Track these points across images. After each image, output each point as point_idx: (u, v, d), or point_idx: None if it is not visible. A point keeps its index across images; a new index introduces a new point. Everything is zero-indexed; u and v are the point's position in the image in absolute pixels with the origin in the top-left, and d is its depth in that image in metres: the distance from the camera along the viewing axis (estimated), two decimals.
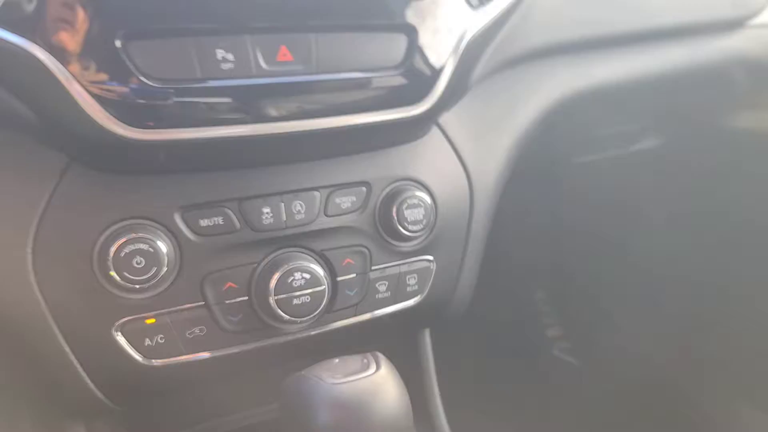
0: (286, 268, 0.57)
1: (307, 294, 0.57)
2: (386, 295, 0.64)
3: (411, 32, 0.56)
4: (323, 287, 0.58)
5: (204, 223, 0.55)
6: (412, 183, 0.64)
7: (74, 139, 0.50)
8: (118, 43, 0.45)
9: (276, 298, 0.56)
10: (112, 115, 0.47)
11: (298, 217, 0.58)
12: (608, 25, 0.77)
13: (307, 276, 0.57)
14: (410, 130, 0.63)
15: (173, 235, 0.54)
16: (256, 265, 0.58)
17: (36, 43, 0.44)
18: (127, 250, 0.51)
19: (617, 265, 1.16)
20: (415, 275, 0.66)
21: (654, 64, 0.84)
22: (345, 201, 0.61)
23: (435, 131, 0.67)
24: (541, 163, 0.78)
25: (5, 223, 0.51)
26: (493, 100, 0.71)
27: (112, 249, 0.51)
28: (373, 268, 0.63)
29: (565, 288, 1.33)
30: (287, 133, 0.53)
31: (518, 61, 0.72)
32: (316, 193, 0.59)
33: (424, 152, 0.66)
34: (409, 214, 0.62)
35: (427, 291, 0.67)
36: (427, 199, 0.63)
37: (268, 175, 0.57)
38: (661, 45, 0.83)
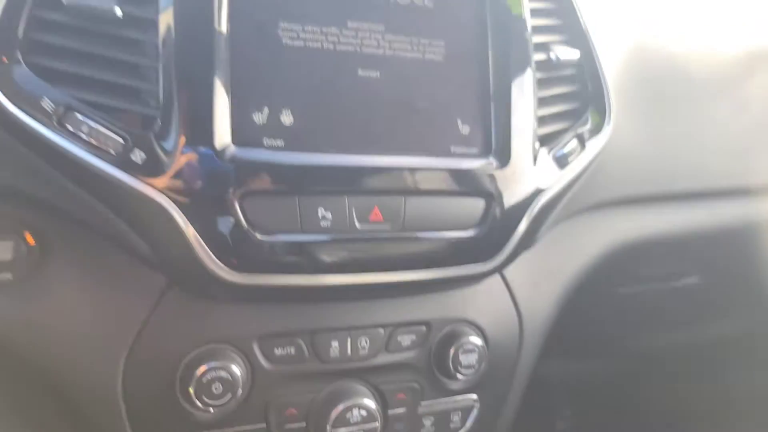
0: (347, 403, 0.61)
1: (361, 428, 0.61)
2: (430, 430, 0.68)
3: (489, 197, 0.61)
4: (376, 423, 0.62)
5: (278, 352, 0.59)
6: (468, 325, 0.68)
7: (179, 272, 0.56)
8: (234, 200, 0.51)
9: (333, 429, 0.60)
10: (218, 259, 0.52)
11: (362, 351, 0.63)
12: (670, 184, 0.82)
13: (364, 413, 0.61)
14: (475, 279, 0.67)
15: (249, 361, 0.59)
16: (317, 393, 0.62)
17: (164, 194, 0.50)
18: (209, 376, 0.55)
19: (652, 390, 1.18)
20: (459, 412, 0.69)
21: (707, 220, 0.87)
22: (406, 339, 0.65)
23: (495, 276, 0.71)
24: (583, 292, 0.81)
25: (106, 333, 0.57)
26: (552, 248, 0.75)
27: (196, 373, 0.55)
28: (422, 403, 0.67)
29: (592, 412, 1.33)
30: (369, 283, 0.58)
31: (582, 212, 0.76)
32: (381, 330, 0.64)
33: (482, 295, 0.69)
34: (464, 359, 0.66)
35: (468, 427, 0.70)
36: (482, 343, 0.67)
37: (339, 311, 0.62)
38: (716, 202, 0.87)
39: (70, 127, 0.49)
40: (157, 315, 0.57)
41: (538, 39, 0.67)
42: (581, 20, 0.72)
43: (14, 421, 0.63)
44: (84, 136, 0.49)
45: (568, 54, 0.69)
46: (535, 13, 0.67)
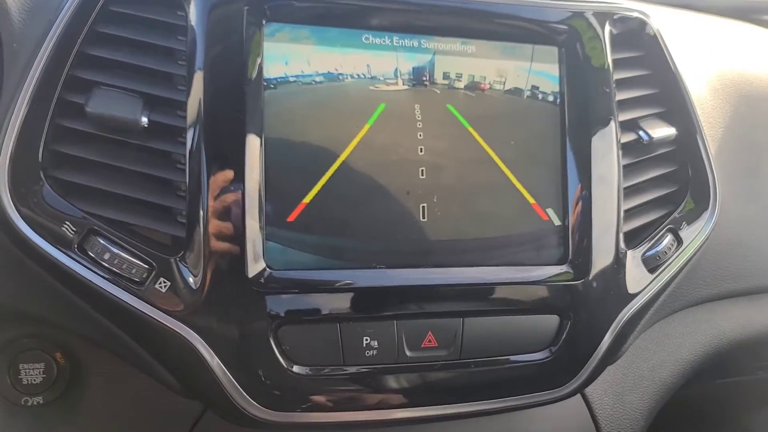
0: None
1: None
2: None
3: (564, 314, 0.52)
4: None
5: None
6: None
7: (210, 404, 0.50)
8: (268, 330, 0.45)
9: None
10: (250, 396, 0.46)
11: None
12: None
13: None
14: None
15: None
16: None
17: (188, 325, 0.45)
18: None
19: None
20: None
21: None
22: None
23: None
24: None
25: None
26: (640, 355, 0.64)
27: None
28: None
29: None
30: (420, 417, 0.50)
31: (677, 312, 0.65)
32: None
33: (555, 414, 0.60)
34: None
35: None
36: None
37: None
38: None
39: (91, 254, 0.44)
40: None
41: (624, 116, 0.57)
42: (681, 86, 0.60)
43: None
44: (106, 264, 0.44)
45: (664, 131, 0.59)
46: (622, 83, 0.57)
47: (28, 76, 0.45)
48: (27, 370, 0.50)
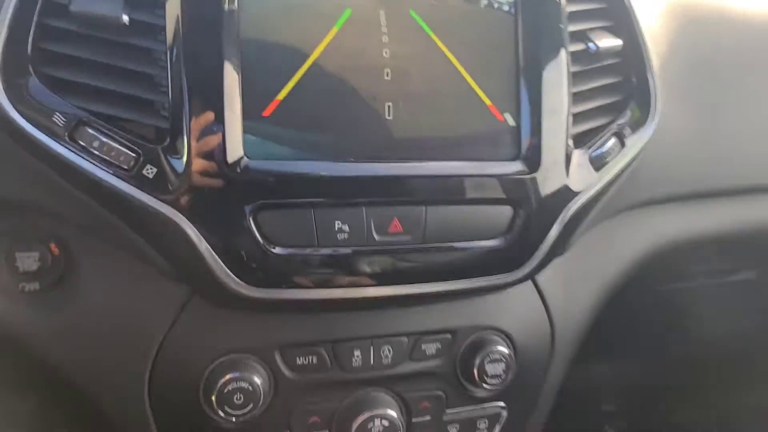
0: (368, 414, 0.60)
1: None
2: None
3: (516, 205, 0.57)
4: None
5: (300, 361, 0.59)
6: (495, 333, 0.65)
7: (198, 285, 0.55)
8: (248, 214, 0.50)
9: None
10: (234, 274, 0.51)
11: (384, 360, 0.61)
12: (721, 181, 0.75)
13: (386, 423, 0.60)
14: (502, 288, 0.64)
15: (271, 370, 0.58)
16: (340, 402, 0.61)
17: (175, 208, 0.49)
18: (230, 387, 0.55)
19: (706, 392, 1.12)
20: (486, 420, 0.67)
21: (752, 217, 0.80)
22: (430, 347, 0.63)
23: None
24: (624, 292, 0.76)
25: (131, 342, 0.57)
26: (589, 250, 0.71)
27: (219, 383, 0.55)
28: (447, 411, 0.65)
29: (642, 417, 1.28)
30: (390, 296, 0.56)
31: (621, 212, 0.71)
32: (404, 339, 0.62)
33: (510, 301, 0.66)
34: (490, 368, 0.63)
35: None
36: (509, 352, 0.64)
37: (361, 320, 0.61)
38: (761, 198, 0.80)
39: (81, 142, 0.48)
40: (179, 325, 0.57)
41: (574, 27, 0.62)
42: (627, 3, 0.65)
43: (39, 428, 0.65)
44: (95, 151, 0.48)
45: (610, 42, 0.64)
46: None
47: None
48: (23, 258, 0.54)
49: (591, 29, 0.63)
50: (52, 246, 0.55)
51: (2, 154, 0.49)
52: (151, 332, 0.57)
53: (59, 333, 0.56)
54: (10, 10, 0.47)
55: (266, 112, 0.51)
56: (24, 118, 0.47)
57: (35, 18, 0.48)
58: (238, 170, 0.49)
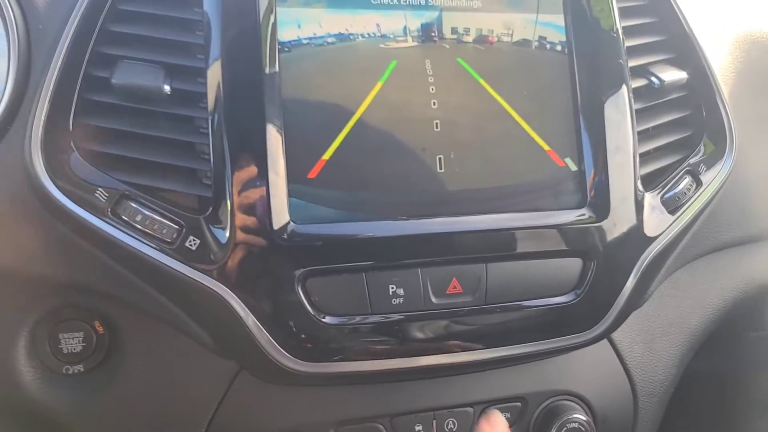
0: None
1: None
2: None
3: (586, 256, 0.52)
4: None
5: None
6: (571, 398, 0.59)
7: (245, 361, 0.52)
8: (296, 282, 0.47)
9: None
10: (283, 348, 0.48)
11: None
12: None
13: None
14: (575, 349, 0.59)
15: None
16: None
17: (219, 281, 0.46)
18: None
19: None
20: None
21: None
22: None
23: None
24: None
25: (178, 421, 0.54)
26: (668, 299, 0.64)
27: None
28: None
29: None
30: (452, 364, 0.51)
31: (702, 256, 0.65)
32: (470, 410, 0.56)
33: (584, 362, 0.60)
34: None
35: None
36: (588, 419, 0.58)
37: (421, 390, 0.56)
38: None
39: (124, 217, 0.46)
40: (228, 401, 0.53)
41: (634, 62, 0.58)
42: (689, 31, 0.61)
43: None
44: (138, 225, 0.46)
45: (674, 75, 0.59)
46: (629, 31, 0.58)
47: (54, 55, 0.47)
48: (67, 339, 0.52)
49: (653, 63, 0.59)
50: (96, 324, 0.53)
51: (46, 234, 0.48)
52: (199, 410, 0.53)
53: (101, 414, 0.54)
54: (51, 87, 0.47)
55: (312, 174, 0.48)
56: (65, 195, 0.46)
57: (76, 94, 0.48)
58: (285, 236, 0.47)
